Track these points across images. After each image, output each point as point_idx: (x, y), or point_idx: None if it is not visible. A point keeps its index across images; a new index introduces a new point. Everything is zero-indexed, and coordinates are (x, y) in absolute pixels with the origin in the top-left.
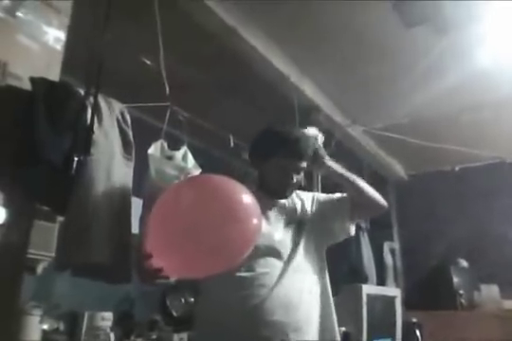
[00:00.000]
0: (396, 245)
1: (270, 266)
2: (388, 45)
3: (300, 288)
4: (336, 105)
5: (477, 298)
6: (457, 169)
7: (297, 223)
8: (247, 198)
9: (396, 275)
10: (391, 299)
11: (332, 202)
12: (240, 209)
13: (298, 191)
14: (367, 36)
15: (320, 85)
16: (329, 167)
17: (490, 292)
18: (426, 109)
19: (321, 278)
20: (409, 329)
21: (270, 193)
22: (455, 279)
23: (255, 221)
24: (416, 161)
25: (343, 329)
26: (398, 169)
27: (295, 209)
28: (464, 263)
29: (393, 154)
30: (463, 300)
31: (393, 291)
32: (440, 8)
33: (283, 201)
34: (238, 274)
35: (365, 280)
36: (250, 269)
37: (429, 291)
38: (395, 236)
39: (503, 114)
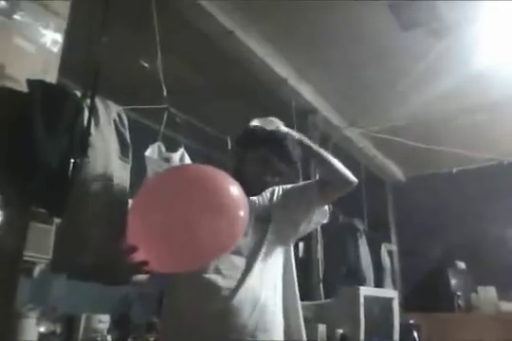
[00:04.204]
0: (394, 247)
1: (235, 267)
2: (385, 48)
3: (265, 288)
4: (333, 108)
5: (474, 300)
6: (454, 171)
7: (264, 219)
8: (234, 188)
9: (394, 277)
10: (388, 301)
11: (295, 190)
12: (225, 200)
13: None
14: (364, 39)
15: (318, 88)
16: (301, 140)
17: (488, 294)
18: (423, 111)
19: (288, 276)
20: (406, 330)
21: (244, 188)
22: (453, 281)
23: (242, 213)
24: (414, 163)
25: (340, 331)
26: (396, 171)
27: (264, 206)
28: (461, 265)
29: (391, 157)
30: (460, 302)
31: (390, 293)
32: (436, 10)
33: (253, 198)
34: (204, 275)
35: (363, 282)
36: (217, 271)
37: (426, 293)
38: (393, 238)
39: (500, 116)
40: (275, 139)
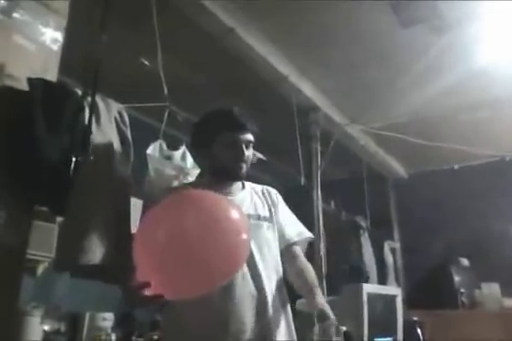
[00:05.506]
0: (397, 244)
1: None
2: (386, 46)
3: (270, 292)
4: (334, 104)
5: (478, 297)
6: (456, 167)
7: (263, 218)
8: (235, 213)
9: (397, 274)
10: (391, 298)
11: (284, 221)
12: (229, 226)
13: (257, 188)
14: (365, 36)
15: (319, 85)
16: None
17: (491, 290)
18: (424, 108)
19: (278, 281)
20: (410, 327)
21: (224, 176)
22: (456, 278)
23: (244, 235)
24: (416, 160)
25: (344, 328)
26: (398, 167)
27: (255, 206)
28: (464, 262)
29: (393, 153)
30: (464, 299)
31: (393, 290)
32: (436, 8)
33: (237, 199)
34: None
35: (366, 280)
36: None
37: (430, 290)
38: (396, 235)
39: (502, 112)
40: (230, 118)
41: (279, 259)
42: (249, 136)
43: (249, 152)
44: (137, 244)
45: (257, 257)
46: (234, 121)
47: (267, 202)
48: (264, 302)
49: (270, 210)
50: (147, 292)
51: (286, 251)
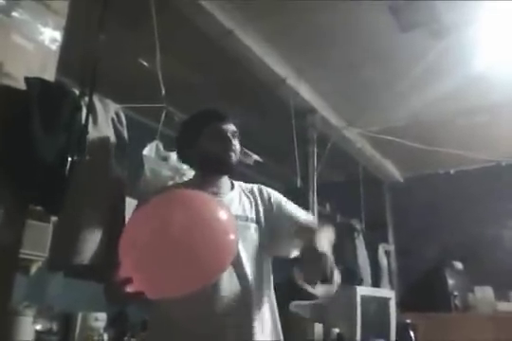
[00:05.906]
0: (391, 247)
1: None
2: (384, 49)
3: (247, 290)
4: (332, 108)
5: (471, 300)
6: (452, 171)
7: (251, 219)
8: (223, 213)
9: (391, 276)
10: (385, 301)
11: (284, 210)
12: (217, 226)
13: (246, 187)
14: (364, 39)
15: (317, 88)
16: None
17: (484, 294)
18: (422, 112)
19: (266, 281)
20: (403, 330)
21: (215, 169)
22: (450, 281)
23: (232, 236)
24: (412, 163)
25: (337, 330)
26: (394, 171)
27: (243, 207)
28: (458, 265)
29: (389, 157)
30: (457, 302)
31: (387, 292)
32: (435, 11)
33: (226, 199)
34: None
35: (360, 282)
36: None
37: (423, 292)
38: (390, 238)
39: (500, 117)
40: (212, 112)
41: (266, 259)
42: (233, 127)
43: (236, 143)
44: (123, 241)
45: (244, 257)
46: (216, 113)
47: (256, 202)
48: (249, 301)
49: (258, 211)
50: (129, 289)
51: (300, 227)
